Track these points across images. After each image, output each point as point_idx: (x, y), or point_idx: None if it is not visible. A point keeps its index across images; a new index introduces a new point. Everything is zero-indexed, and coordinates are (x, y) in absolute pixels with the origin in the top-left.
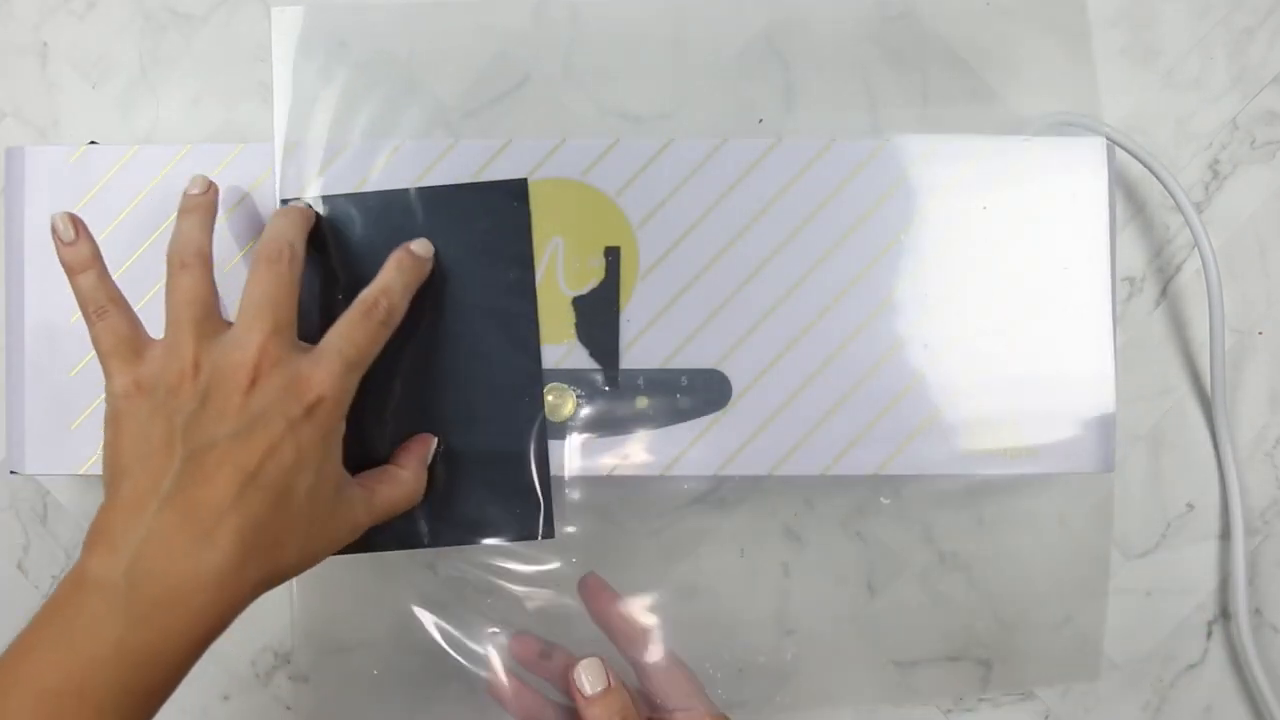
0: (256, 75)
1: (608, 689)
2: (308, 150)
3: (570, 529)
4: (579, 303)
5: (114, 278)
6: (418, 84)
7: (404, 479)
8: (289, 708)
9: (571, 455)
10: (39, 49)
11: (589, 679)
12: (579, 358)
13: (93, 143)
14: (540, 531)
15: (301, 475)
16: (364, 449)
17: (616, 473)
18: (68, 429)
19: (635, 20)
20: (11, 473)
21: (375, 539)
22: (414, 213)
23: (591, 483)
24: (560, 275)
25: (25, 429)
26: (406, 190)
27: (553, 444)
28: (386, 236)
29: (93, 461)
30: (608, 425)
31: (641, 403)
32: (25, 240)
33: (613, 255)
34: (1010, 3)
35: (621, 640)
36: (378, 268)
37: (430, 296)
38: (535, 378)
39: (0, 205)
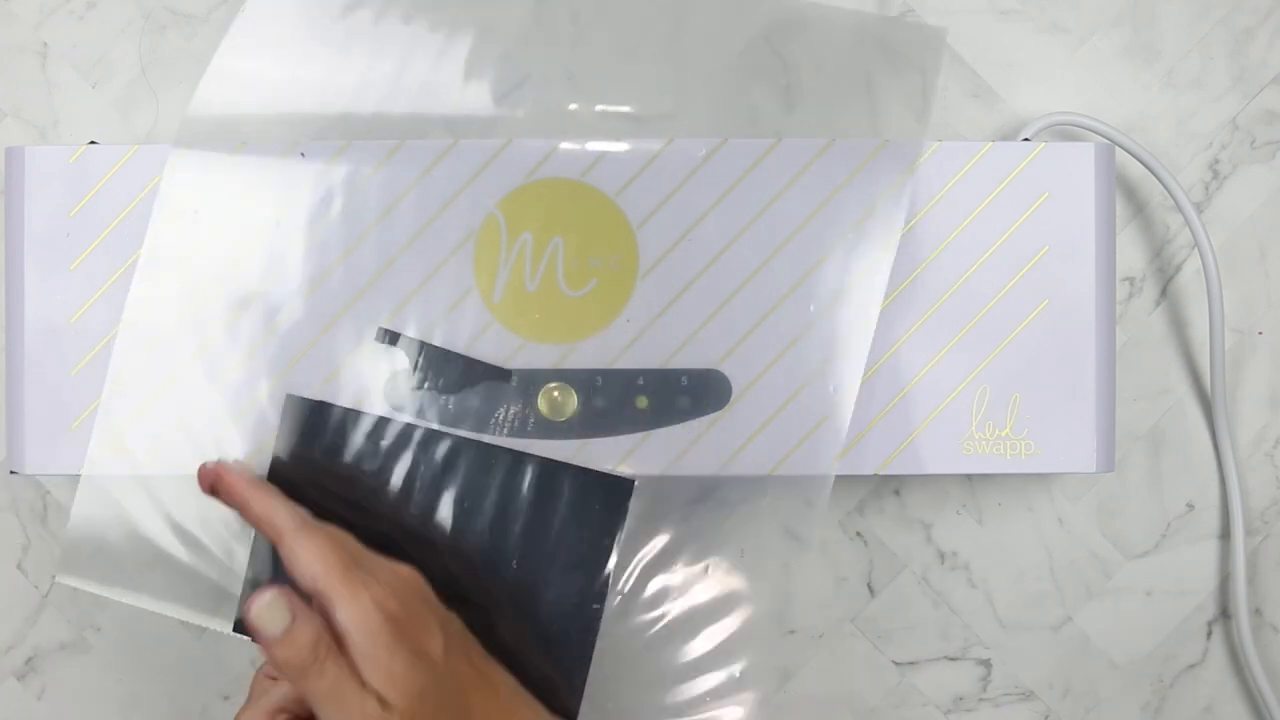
0: None
1: (291, 624)
2: None
3: None
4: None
5: (113, 278)
6: (417, 84)
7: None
8: None
9: (572, 455)
10: (39, 49)
11: (268, 618)
12: (579, 358)
13: (93, 143)
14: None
15: None
16: None
17: (617, 473)
18: (68, 429)
19: (635, 20)
20: (11, 473)
21: None
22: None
23: None
24: (560, 275)
25: (25, 429)
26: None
27: (554, 444)
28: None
29: (92, 462)
30: (608, 425)
31: (641, 403)
32: (25, 240)
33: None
34: (1010, 4)
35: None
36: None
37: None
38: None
39: (0, 205)
